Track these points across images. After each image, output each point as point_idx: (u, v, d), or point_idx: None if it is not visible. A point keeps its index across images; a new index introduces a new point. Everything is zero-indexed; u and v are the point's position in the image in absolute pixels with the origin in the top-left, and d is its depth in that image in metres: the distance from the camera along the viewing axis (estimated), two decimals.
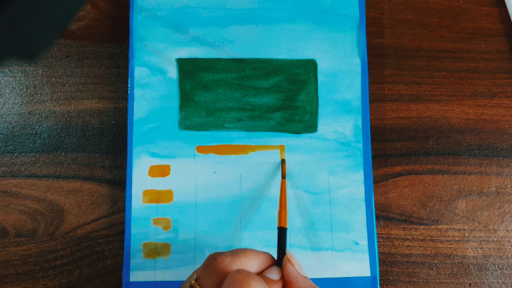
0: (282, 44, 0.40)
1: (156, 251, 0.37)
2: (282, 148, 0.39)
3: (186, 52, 0.40)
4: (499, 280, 0.39)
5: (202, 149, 0.39)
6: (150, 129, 0.39)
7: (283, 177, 0.37)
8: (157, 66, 0.40)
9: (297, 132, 0.39)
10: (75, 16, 0.41)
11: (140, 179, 0.38)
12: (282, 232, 0.32)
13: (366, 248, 0.38)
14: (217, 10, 0.40)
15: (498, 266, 0.39)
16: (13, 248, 0.38)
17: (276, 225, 0.33)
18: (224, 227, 0.38)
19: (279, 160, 0.39)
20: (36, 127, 0.40)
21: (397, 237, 0.39)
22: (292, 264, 0.29)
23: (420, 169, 0.40)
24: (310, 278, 0.37)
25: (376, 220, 0.39)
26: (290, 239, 0.38)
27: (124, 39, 0.41)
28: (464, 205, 0.40)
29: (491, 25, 0.42)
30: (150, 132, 0.39)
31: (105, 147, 0.40)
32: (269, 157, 0.39)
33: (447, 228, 0.39)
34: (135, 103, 0.39)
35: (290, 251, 0.31)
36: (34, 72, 0.41)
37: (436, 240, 0.39)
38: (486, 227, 0.39)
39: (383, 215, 0.39)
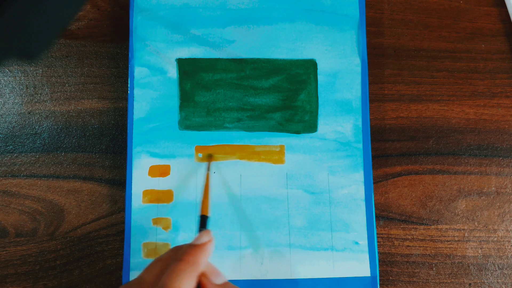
0: (282, 44, 0.40)
1: (156, 251, 0.37)
2: (282, 148, 0.39)
3: (186, 52, 0.40)
4: (499, 280, 0.39)
5: (202, 149, 0.39)
6: (150, 129, 0.39)
7: (208, 170, 0.38)
8: (157, 66, 0.40)
9: (297, 132, 0.39)
10: (75, 16, 0.41)
11: (140, 179, 0.38)
12: (203, 220, 0.34)
13: (366, 248, 0.38)
14: (217, 10, 0.40)
15: (498, 266, 0.39)
16: (13, 248, 0.38)
17: (199, 213, 0.34)
18: (224, 227, 0.38)
19: (280, 160, 0.39)
20: (36, 127, 0.40)
21: (397, 237, 0.39)
22: (206, 276, 0.30)
23: (420, 169, 0.40)
24: (311, 278, 0.37)
25: (376, 220, 0.39)
26: (290, 239, 0.38)
27: (124, 39, 0.41)
28: (464, 205, 0.40)
29: (491, 25, 0.42)
30: (150, 132, 0.39)
31: (105, 147, 0.40)
32: (269, 157, 0.39)
33: (447, 228, 0.39)
34: (135, 103, 0.39)
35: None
36: (34, 72, 0.41)
37: (436, 240, 0.39)
38: (486, 227, 0.39)
39: (383, 215, 0.39)
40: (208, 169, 0.38)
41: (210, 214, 0.35)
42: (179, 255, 0.29)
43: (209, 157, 0.39)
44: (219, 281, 0.30)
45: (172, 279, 0.27)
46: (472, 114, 0.41)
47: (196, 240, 0.30)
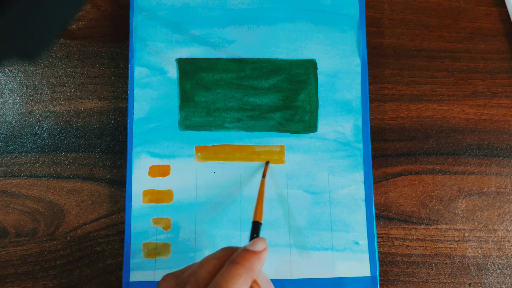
0: (282, 44, 0.40)
1: (156, 251, 0.37)
2: (282, 148, 0.39)
3: (186, 52, 0.40)
4: (499, 280, 0.39)
5: (202, 149, 0.39)
6: (150, 129, 0.39)
7: (263, 176, 0.37)
8: (157, 66, 0.40)
9: (297, 132, 0.39)
10: (75, 16, 0.41)
11: (140, 179, 0.38)
12: (256, 226, 0.33)
13: (366, 248, 0.38)
14: (217, 10, 0.40)
15: (498, 266, 0.39)
16: (13, 248, 0.38)
17: (252, 219, 0.33)
18: (224, 227, 0.38)
19: (280, 160, 0.39)
20: (36, 127, 0.40)
21: (397, 237, 0.39)
22: (258, 285, 0.29)
23: (420, 169, 0.40)
24: (311, 278, 0.37)
25: (376, 220, 0.39)
26: (290, 239, 0.38)
27: (124, 39, 0.41)
28: (464, 205, 0.40)
29: (491, 25, 0.42)
30: (150, 132, 0.39)
31: (105, 147, 0.40)
32: (269, 157, 0.39)
33: (447, 228, 0.39)
34: (135, 103, 0.39)
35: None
36: (34, 72, 0.41)
37: (436, 240, 0.39)
38: (486, 227, 0.39)
39: (383, 215, 0.39)
40: (264, 176, 0.38)
41: (262, 221, 0.34)
42: (234, 258, 0.28)
43: (266, 163, 0.38)
44: None
45: (229, 281, 0.27)
46: (472, 114, 0.41)
47: (250, 246, 0.30)
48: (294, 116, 0.40)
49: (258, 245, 0.30)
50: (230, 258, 0.29)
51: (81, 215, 0.39)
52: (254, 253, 0.29)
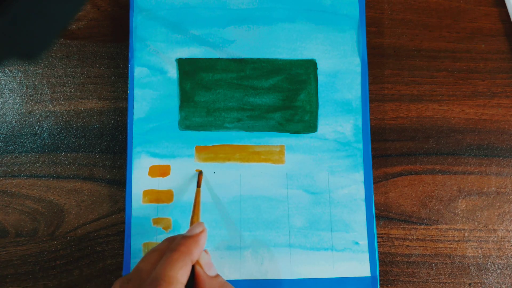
0: (282, 44, 0.40)
1: None
2: (282, 148, 0.39)
3: (186, 52, 0.40)
4: (499, 280, 0.39)
5: (202, 149, 0.39)
6: (150, 129, 0.39)
7: (198, 185, 0.38)
8: (157, 66, 0.40)
9: (297, 132, 0.39)
10: (75, 16, 0.41)
11: (140, 179, 0.38)
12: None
13: (366, 248, 0.38)
14: (217, 10, 0.40)
15: (498, 266, 0.39)
16: (13, 248, 0.38)
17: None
18: (224, 227, 0.38)
19: (280, 160, 0.39)
20: (36, 127, 0.40)
21: (397, 237, 0.39)
22: (200, 266, 0.31)
23: (420, 169, 0.40)
24: (311, 278, 0.37)
25: (376, 220, 0.39)
26: (290, 239, 0.38)
27: (124, 39, 0.41)
28: (464, 205, 0.40)
29: (491, 25, 0.42)
30: (150, 132, 0.39)
31: (105, 147, 0.40)
32: (269, 157, 0.39)
33: (447, 228, 0.39)
34: (135, 103, 0.39)
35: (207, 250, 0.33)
36: (34, 72, 0.41)
37: (436, 240, 0.39)
38: (486, 227, 0.39)
39: (383, 215, 0.39)
40: (199, 185, 0.38)
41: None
42: (173, 246, 0.30)
43: (200, 174, 0.38)
44: (211, 273, 0.32)
45: (167, 268, 0.28)
46: (472, 114, 0.41)
47: (189, 232, 0.32)
48: (294, 116, 0.40)
49: (194, 230, 0.32)
50: (169, 247, 0.30)
51: (81, 215, 0.39)
52: (190, 237, 0.31)
